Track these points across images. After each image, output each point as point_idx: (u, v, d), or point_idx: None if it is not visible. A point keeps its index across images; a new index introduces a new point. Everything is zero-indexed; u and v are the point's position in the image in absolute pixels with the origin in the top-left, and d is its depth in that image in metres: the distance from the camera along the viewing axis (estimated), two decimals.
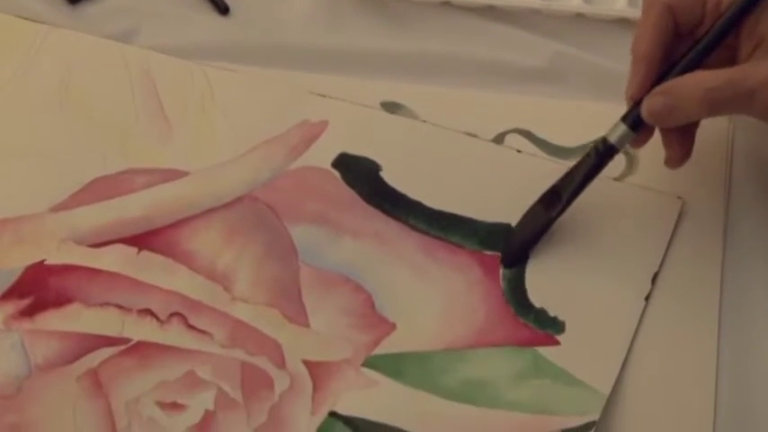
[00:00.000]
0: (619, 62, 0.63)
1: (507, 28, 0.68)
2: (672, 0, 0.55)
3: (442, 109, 0.64)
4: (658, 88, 0.54)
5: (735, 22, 0.54)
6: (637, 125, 0.55)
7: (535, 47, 0.67)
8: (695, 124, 0.57)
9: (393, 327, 0.57)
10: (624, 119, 0.56)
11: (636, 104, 0.55)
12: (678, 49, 0.55)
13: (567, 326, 0.56)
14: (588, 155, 0.57)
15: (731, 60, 0.55)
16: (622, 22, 0.67)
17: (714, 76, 0.52)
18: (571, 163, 0.58)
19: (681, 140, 0.57)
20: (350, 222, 0.61)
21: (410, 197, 0.61)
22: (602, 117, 0.57)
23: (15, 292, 0.58)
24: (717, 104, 0.52)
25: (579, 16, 0.67)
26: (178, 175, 0.63)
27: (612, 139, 0.56)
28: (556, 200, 0.58)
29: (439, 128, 0.63)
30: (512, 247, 0.59)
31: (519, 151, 0.62)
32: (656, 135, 0.57)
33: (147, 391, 0.55)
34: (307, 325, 0.57)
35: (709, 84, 0.52)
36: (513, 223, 0.60)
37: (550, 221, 0.58)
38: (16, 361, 0.56)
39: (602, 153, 0.57)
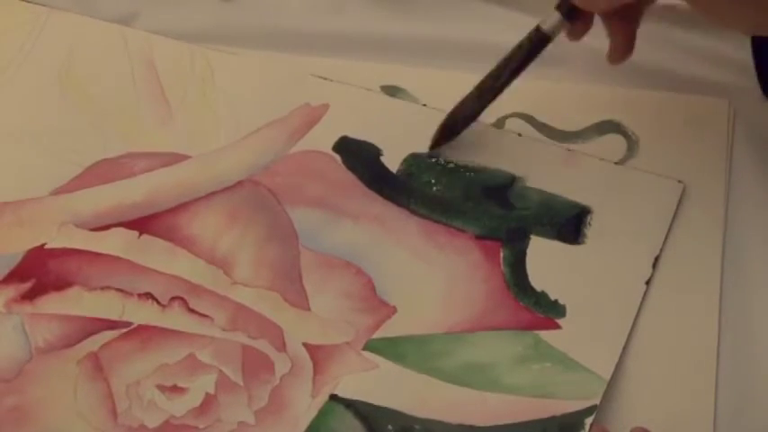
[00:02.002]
0: None
1: (508, 11, 0.68)
2: None
3: (443, 92, 0.63)
4: None
5: None
6: (571, 13, 0.56)
7: None
8: (634, 15, 0.57)
9: (394, 310, 0.57)
10: (558, 7, 0.57)
11: None
12: None
13: (568, 310, 0.56)
14: (521, 45, 0.58)
15: None
16: None
17: None
18: (574, 146, 0.58)
19: (621, 30, 0.57)
20: (350, 206, 0.61)
21: (411, 182, 0.61)
22: (603, 100, 0.57)
23: (16, 275, 0.58)
24: None
25: None
26: (179, 159, 0.63)
27: (546, 27, 0.57)
28: (489, 87, 0.60)
29: (440, 111, 0.63)
30: (440, 128, 0.61)
31: (519, 135, 0.62)
32: (653, 123, 0.57)
33: (147, 375, 0.55)
34: (307, 308, 0.57)
35: None
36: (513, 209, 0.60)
37: (482, 107, 0.60)
38: (17, 344, 0.56)
39: (535, 42, 0.58)
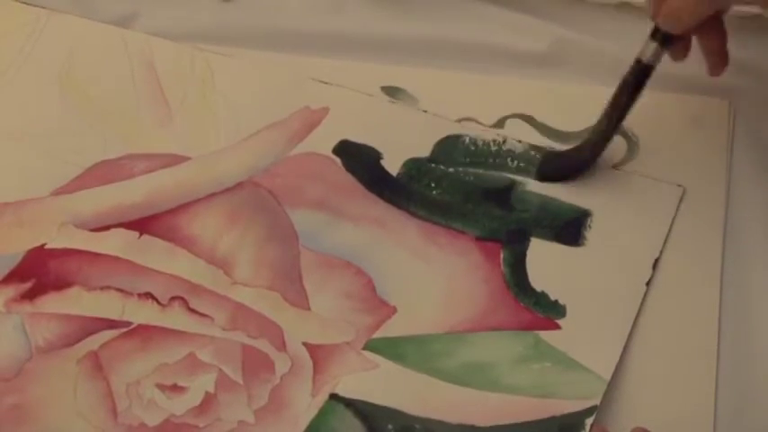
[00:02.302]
0: (620, 46, 0.63)
1: (508, 12, 0.68)
2: None
3: (443, 93, 0.64)
4: None
5: None
6: (664, 39, 0.56)
7: (536, 31, 0.66)
8: (719, 26, 0.57)
9: (394, 310, 0.57)
10: (652, 36, 0.56)
11: None
12: None
13: (568, 310, 0.56)
14: (625, 81, 0.58)
15: None
16: (623, 6, 0.66)
17: None
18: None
19: (714, 43, 0.57)
20: (350, 208, 0.61)
21: (411, 185, 0.61)
22: (603, 101, 0.57)
23: (16, 275, 0.58)
24: None
25: (581, 0, 0.67)
26: (179, 161, 0.63)
27: (645, 58, 0.57)
28: (602, 129, 0.59)
29: (440, 117, 0.63)
30: (556, 171, 0.61)
31: (520, 141, 0.62)
32: (654, 126, 0.57)
33: (147, 374, 0.55)
34: (307, 308, 0.57)
35: None
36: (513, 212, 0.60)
37: (598, 152, 0.59)
38: (17, 343, 0.56)
39: (638, 74, 0.57)
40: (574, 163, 0.61)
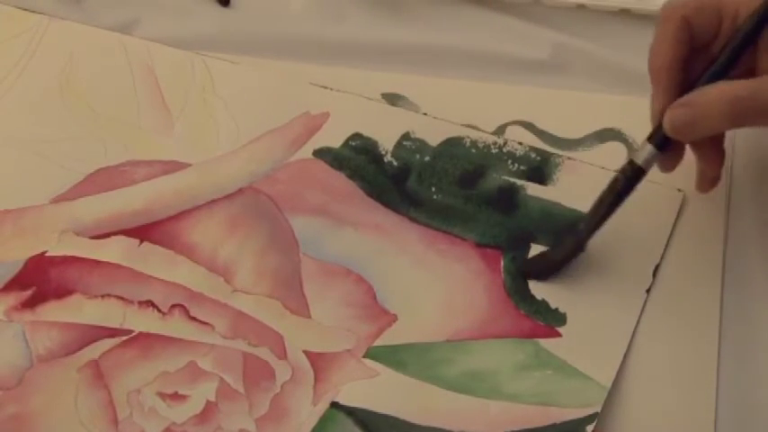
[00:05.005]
0: (620, 53, 0.64)
1: (509, 19, 0.68)
2: (689, 13, 0.54)
3: (444, 100, 0.64)
4: (680, 100, 0.53)
5: (754, 35, 0.53)
6: (663, 144, 0.54)
7: (537, 38, 0.66)
8: (721, 141, 0.56)
9: (394, 318, 0.57)
10: (650, 138, 0.55)
11: (661, 124, 0.54)
12: (694, 65, 0.54)
13: (569, 318, 0.56)
14: (616, 179, 0.56)
15: (750, 74, 0.54)
16: (624, 13, 0.66)
17: (737, 87, 0.51)
18: (574, 154, 0.58)
19: (710, 157, 0.56)
20: (351, 214, 0.61)
21: (411, 189, 0.61)
22: (603, 108, 0.57)
23: (17, 283, 0.58)
24: (740, 116, 0.51)
25: (581, 7, 0.67)
26: (179, 167, 0.63)
27: (639, 160, 0.55)
28: (585, 228, 0.57)
29: (440, 120, 0.63)
30: (540, 270, 0.58)
31: (520, 144, 0.62)
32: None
33: (148, 382, 0.55)
34: (308, 316, 0.57)
35: (732, 94, 0.51)
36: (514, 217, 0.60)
37: (581, 246, 0.57)
38: (18, 352, 0.56)
39: (629, 176, 0.55)
40: (552, 263, 0.58)
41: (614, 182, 0.56)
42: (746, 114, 0.51)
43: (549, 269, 0.58)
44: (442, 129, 0.63)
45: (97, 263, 0.59)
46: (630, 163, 0.55)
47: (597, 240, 0.57)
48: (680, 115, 0.52)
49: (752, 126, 0.53)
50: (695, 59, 0.54)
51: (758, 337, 0.56)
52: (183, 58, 0.67)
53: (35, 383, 0.55)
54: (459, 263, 0.59)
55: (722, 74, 0.53)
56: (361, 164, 0.62)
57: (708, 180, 0.57)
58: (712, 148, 0.56)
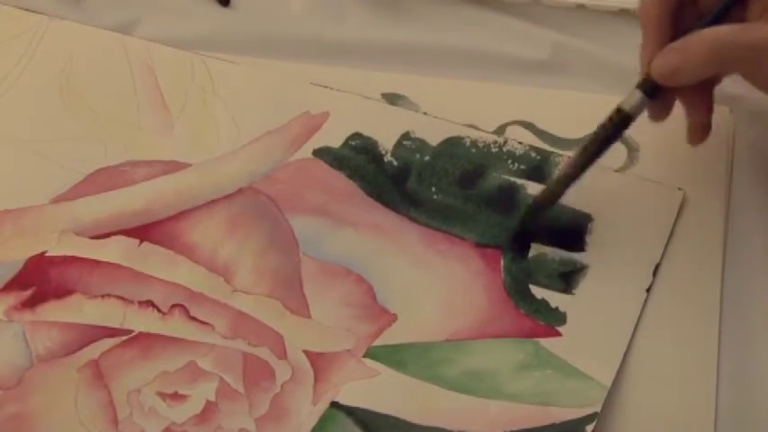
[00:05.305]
0: (620, 53, 0.64)
1: (509, 19, 0.68)
2: None
3: (444, 100, 0.64)
4: (667, 47, 0.53)
5: None
6: (651, 91, 0.55)
7: (536, 38, 0.66)
8: (710, 90, 0.56)
9: (394, 318, 0.57)
10: (639, 85, 0.55)
11: (650, 72, 0.54)
12: (683, 18, 0.55)
13: (569, 317, 0.56)
14: (603, 125, 0.56)
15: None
16: (623, 13, 0.67)
17: (719, 31, 0.52)
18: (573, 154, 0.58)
19: (699, 105, 0.56)
20: (351, 214, 0.61)
21: (411, 189, 0.61)
22: (603, 108, 0.57)
23: (17, 283, 0.58)
24: (723, 60, 0.52)
25: (580, 7, 0.67)
26: (179, 167, 0.63)
27: (627, 107, 0.55)
28: (569, 174, 0.57)
29: (440, 120, 0.63)
30: (525, 213, 0.59)
31: (520, 143, 0.62)
32: (654, 131, 0.57)
33: (148, 382, 0.55)
34: (308, 316, 0.57)
35: (713, 37, 0.51)
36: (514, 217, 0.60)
37: (562, 191, 0.58)
38: (18, 352, 0.56)
39: (616, 123, 0.56)
40: (539, 204, 0.59)
41: (601, 128, 0.56)
42: (729, 60, 0.52)
43: (530, 217, 0.59)
44: (442, 128, 0.63)
45: (97, 263, 0.59)
46: (618, 110, 0.56)
47: (597, 240, 0.57)
48: (666, 60, 0.53)
49: (735, 72, 0.54)
50: (685, 12, 0.55)
51: (758, 337, 0.56)
52: (183, 58, 0.67)
53: (35, 383, 0.55)
54: (459, 263, 0.59)
55: (712, 24, 0.53)
56: (361, 164, 0.62)
57: (698, 129, 0.57)
58: (700, 97, 0.56)
